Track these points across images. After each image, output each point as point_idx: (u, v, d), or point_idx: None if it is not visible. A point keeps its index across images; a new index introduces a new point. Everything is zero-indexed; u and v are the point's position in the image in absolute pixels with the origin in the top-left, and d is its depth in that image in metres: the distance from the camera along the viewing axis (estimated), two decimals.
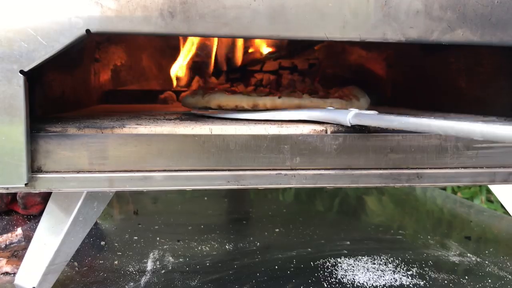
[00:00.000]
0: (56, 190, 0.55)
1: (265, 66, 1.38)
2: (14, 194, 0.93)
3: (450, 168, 0.62)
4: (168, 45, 1.36)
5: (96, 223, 0.92)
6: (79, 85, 0.99)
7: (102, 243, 0.81)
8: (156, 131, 0.57)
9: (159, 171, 0.57)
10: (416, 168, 0.61)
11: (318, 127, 0.60)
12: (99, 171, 0.56)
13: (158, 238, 0.84)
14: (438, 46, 1.04)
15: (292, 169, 0.59)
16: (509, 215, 0.86)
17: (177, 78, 1.33)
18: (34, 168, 0.55)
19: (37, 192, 0.56)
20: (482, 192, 2.09)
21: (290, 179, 0.59)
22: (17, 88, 0.52)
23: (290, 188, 0.59)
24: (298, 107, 0.77)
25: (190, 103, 0.87)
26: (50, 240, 0.62)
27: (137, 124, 0.58)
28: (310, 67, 1.38)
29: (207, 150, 0.57)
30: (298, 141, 0.59)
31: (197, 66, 1.34)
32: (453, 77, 0.99)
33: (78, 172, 0.56)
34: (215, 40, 1.29)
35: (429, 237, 0.87)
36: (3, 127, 0.52)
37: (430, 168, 0.62)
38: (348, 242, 0.83)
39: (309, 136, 0.59)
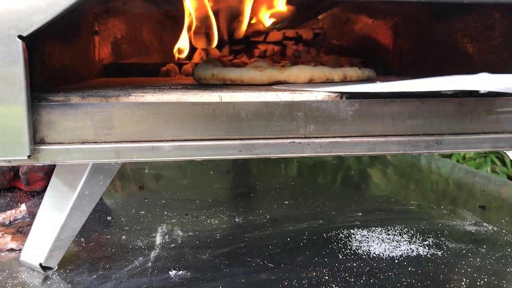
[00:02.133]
0: (60, 162, 0.53)
1: (268, 37, 1.34)
2: (17, 170, 0.91)
3: (470, 134, 0.60)
4: (169, 17, 1.32)
5: (101, 199, 0.90)
6: (78, 57, 0.96)
7: (109, 218, 0.79)
8: (163, 99, 0.54)
9: (167, 141, 0.54)
10: (435, 135, 0.59)
11: (333, 93, 0.57)
12: (105, 142, 0.53)
13: (165, 212, 0.82)
14: (447, 11, 1.01)
15: (306, 137, 0.57)
16: None
17: (179, 51, 1.30)
18: (36, 140, 0.52)
19: (41, 164, 0.54)
20: (487, 163, 2.07)
21: (304, 148, 0.57)
22: (16, 54, 0.49)
23: (303, 157, 0.57)
24: (344, 78, 0.74)
25: (208, 75, 0.76)
26: (55, 215, 0.60)
27: (143, 93, 0.56)
28: (314, 37, 1.34)
29: (217, 119, 0.55)
30: (312, 108, 0.56)
31: (198, 38, 1.30)
32: (462, 43, 0.96)
33: (83, 143, 0.53)
34: (215, 10, 1.24)
35: (442, 207, 0.85)
36: (3, 96, 0.49)
37: (449, 134, 0.59)
38: (360, 213, 0.81)
39: (323, 103, 0.57)
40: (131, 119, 0.53)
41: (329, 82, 0.73)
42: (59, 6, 0.49)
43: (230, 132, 0.55)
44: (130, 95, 0.54)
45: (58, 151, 0.53)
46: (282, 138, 0.56)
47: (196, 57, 1.31)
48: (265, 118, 0.56)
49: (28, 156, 0.51)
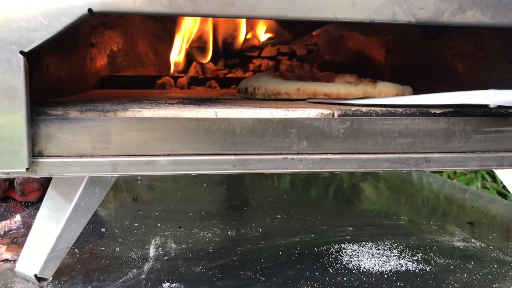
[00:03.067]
0: (58, 175, 0.54)
1: (263, 51, 1.36)
2: (12, 181, 0.92)
3: (458, 152, 0.61)
4: (165, 30, 1.34)
5: (96, 210, 0.91)
6: (75, 70, 0.97)
7: (103, 229, 0.80)
8: (160, 115, 0.55)
9: (163, 155, 0.55)
10: (424, 153, 0.61)
11: (325, 111, 0.59)
12: (102, 156, 0.55)
13: (159, 225, 0.83)
14: (438, 30, 1.03)
15: (298, 154, 0.58)
16: (510, 200, 0.86)
17: (175, 64, 1.32)
18: (35, 153, 0.53)
19: (38, 177, 0.55)
20: (477, 178, 2.09)
21: (296, 164, 0.58)
22: (17, 69, 0.50)
23: (296, 173, 0.58)
24: (349, 94, 0.74)
25: (293, 89, 0.75)
26: (51, 226, 0.61)
27: (140, 108, 0.57)
28: (308, 53, 1.37)
29: (212, 134, 0.56)
30: (305, 125, 0.58)
31: (194, 51, 1.32)
32: (453, 62, 0.98)
33: (81, 156, 0.54)
34: (212, 24, 1.27)
35: (431, 222, 0.87)
36: (3, 109, 0.50)
37: (438, 153, 0.61)
38: (351, 228, 0.83)
39: (316, 120, 0.58)
40: (128, 134, 0.55)
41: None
42: (60, 23, 0.51)
43: (224, 147, 0.57)
44: (127, 110, 0.55)
45: (56, 164, 0.54)
46: (276, 154, 0.58)
47: (192, 71, 1.33)
48: (259, 134, 0.57)
49: (27, 169, 0.52)
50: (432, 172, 1.60)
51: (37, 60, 0.70)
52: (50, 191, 0.62)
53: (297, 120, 0.58)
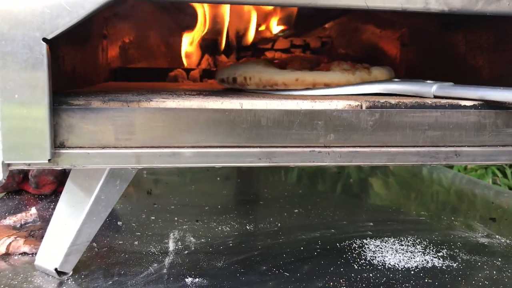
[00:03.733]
0: (80, 166, 0.52)
1: (276, 44, 1.34)
2: (26, 173, 0.90)
3: (489, 146, 0.60)
4: (177, 22, 1.32)
5: None
6: (88, 61, 0.96)
7: (119, 223, 0.79)
8: (185, 105, 0.54)
9: (188, 147, 0.54)
10: (454, 146, 0.59)
11: (353, 102, 0.57)
12: (125, 147, 0.53)
13: (176, 218, 0.81)
14: (457, 23, 1.01)
15: (326, 146, 0.57)
16: None
17: (187, 56, 1.30)
18: (56, 144, 0.52)
19: (60, 168, 0.53)
20: (488, 174, 2.07)
21: (324, 157, 0.56)
22: (40, 57, 0.49)
23: (323, 166, 0.57)
24: (348, 82, 0.72)
25: (291, 79, 0.72)
26: (70, 220, 0.59)
27: (163, 98, 0.55)
28: (322, 45, 1.35)
29: (238, 126, 0.54)
30: (332, 117, 0.56)
31: (207, 44, 1.31)
32: (472, 56, 0.96)
33: (103, 147, 0.53)
34: (226, 16, 1.25)
35: (452, 218, 0.85)
36: (25, 99, 0.49)
37: (468, 146, 0.59)
38: (371, 223, 0.81)
39: (344, 112, 0.56)
40: (152, 125, 0.53)
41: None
42: (84, 9, 0.49)
43: (250, 140, 0.55)
44: (151, 101, 0.54)
45: (79, 155, 0.52)
46: (302, 146, 0.56)
47: (204, 63, 1.31)
48: (286, 126, 0.55)
49: (49, 160, 0.50)
50: (448, 167, 1.58)
51: (54, 51, 0.69)
52: (69, 184, 0.61)
53: (325, 112, 0.56)
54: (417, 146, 0.58)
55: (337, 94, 0.66)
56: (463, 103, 0.59)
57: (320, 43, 1.34)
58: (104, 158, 0.53)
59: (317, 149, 0.56)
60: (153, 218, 0.81)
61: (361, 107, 0.57)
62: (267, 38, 1.35)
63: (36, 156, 0.50)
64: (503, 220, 0.85)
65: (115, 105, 0.53)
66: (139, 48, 1.28)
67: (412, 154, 0.58)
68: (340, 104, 0.57)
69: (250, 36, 1.31)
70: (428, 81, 0.65)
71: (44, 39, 0.49)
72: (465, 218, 0.85)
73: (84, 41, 0.93)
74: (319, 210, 0.88)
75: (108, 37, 1.17)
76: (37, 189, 0.89)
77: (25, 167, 0.52)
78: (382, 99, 0.58)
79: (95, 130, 0.53)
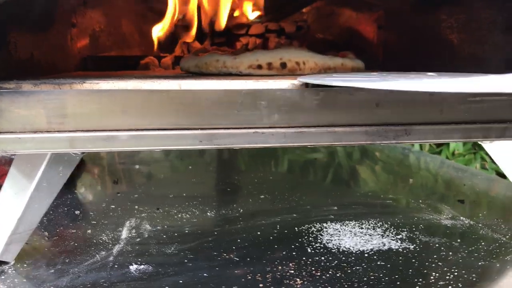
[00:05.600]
0: (11, 152, 0.51)
1: (250, 29, 1.32)
2: None
3: (441, 123, 0.58)
4: (149, 9, 1.30)
5: (73, 192, 0.88)
6: (52, 49, 0.93)
7: (77, 212, 0.77)
8: (119, 86, 0.52)
9: (123, 130, 0.52)
10: (404, 124, 0.57)
11: (298, 81, 0.55)
12: (58, 131, 0.51)
13: (136, 207, 0.80)
14: (432, 3, 0.99)
15: (270, 127, 0.55)
16: (505, 177, 0.82)
17: (159, 43, 1.28)
18: None
19: None
20: (476, 159, 2.05)
21: (268, 138, 0.55)
22: None
23: (267, 147, 0.55)
24: (328, 68, 0.76)
25: (198, 65, 0.79)
26: (12, 207, 0.57)
27: (100, 80, 0.53)
28: (297, 30, 1.32)
29: (177, 107, 0.53)
30: (276, 97, 0.54)
31: (180, 30, 1.28)
32: (446, 35, 0.94)
33: (35, 132, 0.51)
34: (197, 2, 1.22)
35: (420, 201, 0.84)
36: None
37: (419, 124, 0.57)
38: (336, 208, 0.79)
39: (288, 91, 0.55)
40: (85, 107, 0.51)
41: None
42: None
43: (190, 122, 0.53)
44: (84, 82, 0.52)
45: (9, 140, 0.50)
46: (246, 128, 0.54)
47: (177, 50, 1.29)
48: (227, 107, 0.54)
49: None
50: (430, 152, 1.57)
51: (2, 37, 0.67)
52: (12, 170, 0.59)
53: (268, 91, 0.54)
54: (365, 125, 0.56)
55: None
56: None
57: (295, 28, 1.32)
58: (36, 142, 0.51)
59: (260, 130, 0.54)
60: (113, 206, 0.80)
61: (306, 86, 0.55)
62: (242, 24, 1.32)
63: None
64: (472, 202, 0.83)
65: (47, 87, 0.51)
66: (110, 36, 1.26)
67: (360, 133, 0.56)
68: (284, 84, 0.55)
69: (223, 21, 1.29)
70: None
71: None
72: (433, 201, 0.84)
73: (46, 28, 0.91)
74: (285, 196, 0.87)
75: (77, 25, 1.14)
76: None
77: None
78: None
79: (26, 114, 0.51)
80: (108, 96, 0.51)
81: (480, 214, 0.76)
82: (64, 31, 1.05)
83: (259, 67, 0.76)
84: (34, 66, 0.79)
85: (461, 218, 0.74)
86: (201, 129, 0.53)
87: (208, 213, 0.77)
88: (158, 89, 0.52)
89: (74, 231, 0.69)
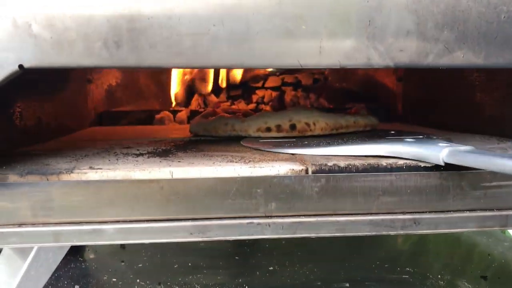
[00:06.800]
0: None
1: (267, 82, 1.30)
2: None
3: (454, 211, 0.53)
4: None
5: (77, 260, 0.86)
6: (64, 109, 0.93)
7: (77, 287, 0.75)
8: (108, 176, 0.50)
9: (110, 222, 0.49)
10: (413, 213, 0.53)
11: (297, 167, 0.52)
12: (43, 224, 0.49)
13: (138, 281, 0.76)
14: None
15: (266, 217, 0.51)
16: None
17: (175, 97, 1.27)
18: None
19: None
20: None
21: (264, 229, 0.51)
22: None
23: (263, 239, 0.52)
24: (340, 127, 0.76)
25: (207, 128, 0.79)
26: (8, 282, 0.55)
27: (90, 168, 0.51)
28: (314, 82, 1.30)
29: (166, 197, 0.50)
30: (273, 184, 0.51)
31: (195, 83, 1.28)
32: (468, 93, 0.90)
33: (20, 225, 0.49)
34: None
35: (439, 276, 0.78)
36: None
37: (429, 212, 0.53)
38: (347, 284, 0.74)
39: (286, 178, 0.51)
40: (71, 199, 0.49)
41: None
42: None
43: (180, 212, 0.50)
44: (72, 172, 0.50)
45: None
46: (240, 217, 0.51)
47: (193, 103, 1.28)
48: (221, 196, 0.51)
49: None
50: None
51: (5, 108, 0.67)
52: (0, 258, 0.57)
53: (264, 179, 0.51)
54: (370, 214, 0.52)
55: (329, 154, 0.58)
56: (422, 164, 0.53)
57: (311, 80, 1.29)
58: (20, 236, 0.49)
59: (256, 220, 0.51)
60: (114, 280, 0.77)
61: (306, 172, 0.52)
62: (258, 76, 1.31)
63: None
64: (496, 279, 0.77)
65: (33, 178, 0.49)
66: (127, 90, 1.26)
67: (364, 223, 0.52)
68: (282, 169, 0.52)
69: (239, 74, 1.28)
70: (440, 143, 0.56)
71: None
72: (453, 276, 0.78)
73: (58, 89, 0.90)
74: (295, 268, 0.82)
75: (93, 81, 1.15)
76: None
77: None
78: (331, 162, 0.53)
79: (10, 207, 0.49)
80: (96, 187, 0.49)
81: None
82: (79, 89, 1.05)
83: (268, 129, 0.73)
84: (43, 131, 0.78)
85: None
86: (192, 219, 0.50)
87: None
88: (148, 178, 0.50)
89: None
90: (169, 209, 0.50)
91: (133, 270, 0.81)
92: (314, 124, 0.74)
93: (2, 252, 0.55)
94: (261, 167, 0.52)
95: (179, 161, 0.55)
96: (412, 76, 1.15)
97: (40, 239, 0.49)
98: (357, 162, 0.53)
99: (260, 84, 1.30)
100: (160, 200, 0.50)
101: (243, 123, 0.75)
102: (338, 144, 0.62)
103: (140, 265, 0.84)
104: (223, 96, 1.30)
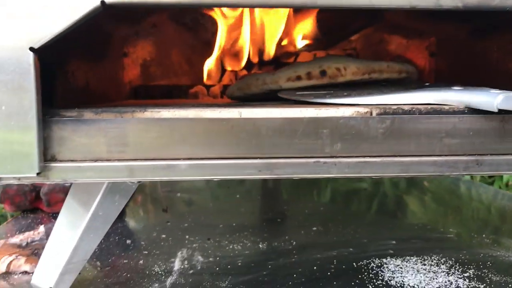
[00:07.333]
0: (71, 180, 0.50)
1: (298, 58, 1.31)
2: (38, 191, 0.90)
3: None
4: (198, 39, 1.31)
5: (123, 221, 0.88)
6: (106, 78, 0.95)
7: (128, 241, 0.76)
8: (180, 115, 0.51)
9: (183, 159, 0.51)
10: (475, 155, 0.54)
11: (362, 109, 0.53)
12: (118, 160, 0.51)
13: (187, 237, 0.78)
14: (486, 29, 0.95)
15: (332, 157, 0.52)
16: None
17: (208, 72, 1.28)
18: (47, 157, 0.50)
19: (51, 182, 0.51)
20: None
21: (330, 168, 0.52)
22: (27, 66, 0.47)
23: (329, 178, 0.53)
24: (372, 71, 0.71)
25: (240, 87, 0.77)
26: (67, 237, 0.57)
27: (161, 109, 0.53)
28: None
29: (236, 136, 0.51)
30: (339, 125, 0.52)
31: (227, 59, 1.29)
32: (503, 62, 0.90)
33: (96, 160, 0.51)
34: (247, 31, 1.23)
35: (483, 235, 0.79)
36: (12, 110, 0.47)
37: (491, 154, 0.54)
38: (394, 242, 0.75)
39: (351, 119, 0.52)
40: (146, 136, 0.51)
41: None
42: (71, 17, 0.47)
43: (249, 151, 0.52)
44: (146, 111, 0.51)
45: (69, 168, 0.50)
46: (306, 157, 0.52)
47: (225, 79, 1.29)
48: (288, 136, 0.52)
49: (38, 174, 0.48)
50: (482, 182, 1.50)
51: (62, 65, 0.68)
52: (68, 199, 0.59)
53: (330, 119, 0.52)
54: (434, 155, 0.53)
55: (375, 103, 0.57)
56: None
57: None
58: (96, 171, 0.50)
59: (322, 160, 0.52)
60: (163, 236, 0.79)
61: (371, 114, 0.53)
62: (290, 52, 1.32)
63: (25, 170, 0.48)
64: None
65: (108, 116, 0.51)
66: (160, 65, 1.28)
67: (428, 163, 0.53)
68: (347, 111, 0.53)
69: (272, 50, 1.29)
70: (491, 90, 0.56)
71: (31, 49, 0.47)
72: (497, 236, 0.79)
73: (101, 58, 0.92)
74: (339, 228, 0.83)
75: (129, 55, 1.16)
76: (49, 207, 0.88)
77: (15, 182, 0.50)
78: (394, 106, 0.54)
79: (87, 143, 0.51)
80: (169, 125, 0.51)
81: None
82: (116, 61, 1.07)
83: (298, 78, 0.72)
84: (90, 95, 0.80)
85: None
86: (261, 158, 0.52)
87: (260, 245, 0.75)
88: (218, 117, 0.51)
89: (126, 261, 0.68)
90: (239, 147, 0.51)
91: (180, 228, 0.83)
92: (345, 68, 0.70)
93: (72, 189, 0.57)
94: (326, 109, 0.53)
95: (242, 106, 0.56)
96: (445, 51, 1.15)
97: (115, 173, 0.51)
98: (420, 106, 0.54)
99: (291, 60, 1.31)
100: (230, 139, 0.51)
101: (273, 75, 0.74)
102: (381, 93, 0.62)
103: (186, 225, 0.86)
104: (254, 71, 1.31)
